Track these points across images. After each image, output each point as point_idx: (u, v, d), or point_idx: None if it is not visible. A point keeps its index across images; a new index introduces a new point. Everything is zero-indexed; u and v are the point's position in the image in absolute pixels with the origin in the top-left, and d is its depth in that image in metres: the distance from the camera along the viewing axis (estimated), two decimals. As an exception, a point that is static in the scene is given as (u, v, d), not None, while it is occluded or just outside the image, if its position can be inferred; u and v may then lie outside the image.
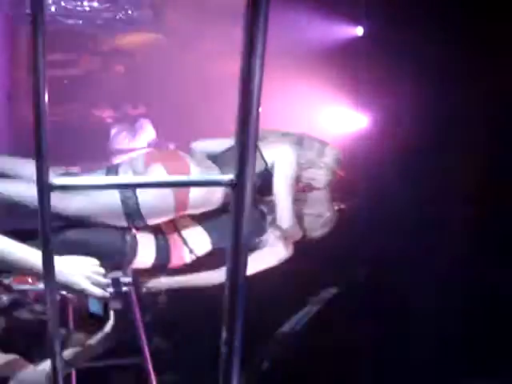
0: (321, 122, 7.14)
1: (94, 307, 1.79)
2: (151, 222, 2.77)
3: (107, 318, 1.76)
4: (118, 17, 9.54)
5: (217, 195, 2.80)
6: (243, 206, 0.94)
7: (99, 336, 1.69)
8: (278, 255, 3.07)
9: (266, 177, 2.97)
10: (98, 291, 1.72)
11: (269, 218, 3.11)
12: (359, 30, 7.37)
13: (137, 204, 2.68)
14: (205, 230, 2.85)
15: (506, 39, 5.18)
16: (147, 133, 8.22)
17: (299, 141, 3.16)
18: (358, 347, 5.40)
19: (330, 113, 7.25)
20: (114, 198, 2.69)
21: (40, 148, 0.89)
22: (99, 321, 1.73)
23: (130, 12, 9.48)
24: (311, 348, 5.22)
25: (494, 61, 5.31)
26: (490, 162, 5.17)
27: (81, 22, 9.35)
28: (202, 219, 2.86)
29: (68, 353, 1.66)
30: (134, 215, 2.70)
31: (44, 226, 0.94)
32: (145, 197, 2.70)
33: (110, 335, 1.72)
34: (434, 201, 5.69)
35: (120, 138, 8.21)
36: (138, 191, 2.54)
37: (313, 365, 5.16)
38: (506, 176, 5.11)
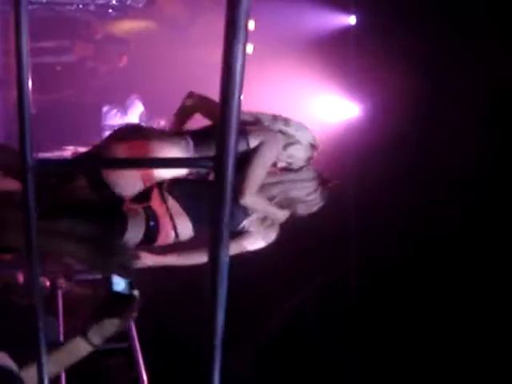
0: (312, 111, 7.14)
1: (118, 287, 1.80)
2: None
3: (133, 295, 1.76)
4: (110, 3, 9.51)
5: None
6: (224, 186, 0.94)
7: (128, 313, 1.70)
8: (262, 239, 3.07)
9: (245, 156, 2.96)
10: (125, 271, 1.76)
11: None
12: (352, 19, 7.36)
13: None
14: (189, 217, 2.86)
15: (499, 30, 5.19)
16: (138, 108, 8.44)
17: (286, 123, 3.16)
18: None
19: (321, 101, 7.26)
20: None
21: (23, 129, 0.90)
22: (123, 299, 1.73)
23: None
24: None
25: (484, 51, 5.33)
26: (479, 149, 5.20)
27: (73, 8, 9.31)
28: (187, 206, 2.87)
29: (96, 331, 1.66)
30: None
31: (28, 206, 0.94)
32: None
33: (135, 312, 1.73)
34: (423, 187, 5.73)
35: (111, 115, 8.45)
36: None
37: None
38: (495, 162, 5.16)
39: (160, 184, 2.81)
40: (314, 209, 3.24)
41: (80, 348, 1.65)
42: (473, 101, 5.25)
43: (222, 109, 0.92)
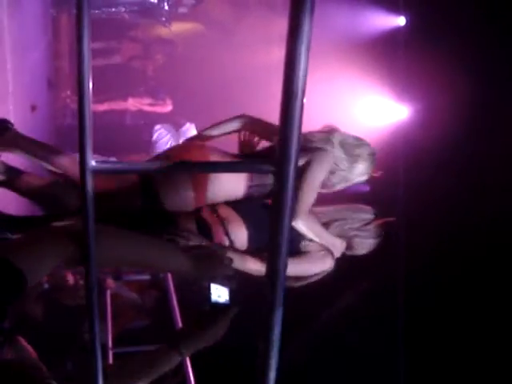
0: (361, 112, 7.09)
1: (217, 296, 1.77)
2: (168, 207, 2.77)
3: (231, 306, 1.73)
4: (161, 5, 9.61)
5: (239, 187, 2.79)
6: (285, 190, 0.92)
7: (226, 322, 1.67)
8: (321, 264, 2.98)
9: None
10: (232, 281, 1.75)
11: None
12: (401, 20, 7.27)
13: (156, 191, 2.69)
14: (245, 226, 2.80)
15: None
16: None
17: (341, 144, 3.05)
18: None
19: (370, 103, 7.19)
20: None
21: (83, 131, 0.89)
22: (221, 309, 1.70)
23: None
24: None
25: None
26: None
27: (123, 9, 9.44)
28: (243, 214, 2.82)
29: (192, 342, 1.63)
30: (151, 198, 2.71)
31: (87, 208, 0.94)
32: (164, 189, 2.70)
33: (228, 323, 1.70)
34: (474, 190, 5.60)
35: (163, 142, 7.90)
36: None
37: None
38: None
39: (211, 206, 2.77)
40: (369, 246, 3.13)
41: (171, 359, 1.63)
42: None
43: (283, 111, 0.90)
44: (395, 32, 7.25)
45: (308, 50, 0.88)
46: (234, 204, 2.82)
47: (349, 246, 3.06)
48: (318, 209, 3.03)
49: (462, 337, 5.56)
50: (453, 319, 5.70)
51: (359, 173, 3.05)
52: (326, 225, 3.00)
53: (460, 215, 5.71)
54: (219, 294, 1.74)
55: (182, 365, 3.83)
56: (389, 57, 6.93)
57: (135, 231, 1.44)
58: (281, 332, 1.00)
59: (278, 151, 0.92)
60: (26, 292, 1.14)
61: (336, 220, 3.06)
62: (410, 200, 6.33)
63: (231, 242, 2.75)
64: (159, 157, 3.04)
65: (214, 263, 1.66)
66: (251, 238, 2.79)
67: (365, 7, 7.50)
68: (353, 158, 3.01)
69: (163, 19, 9.71)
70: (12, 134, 2.82)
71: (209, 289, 1.73)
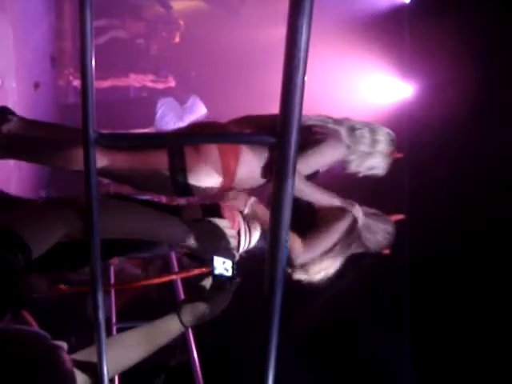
0: (366, 90, 7.05)
1: (220, 269, 1.81)
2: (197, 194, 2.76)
3: (233, 278, 1.76)
4: None
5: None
6: (287, 162, 0.92)
7: (228, 295, 1.70)
8: (345, 221, 2.96)
9: None
10: (233, 253, 1.77)
11: None
12: (407, -2, 7.22)
13: (185, 177, 2.68)
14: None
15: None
16: (199, 111, 7.70)
17: (350, 131, 3.04)
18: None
19: (375, 81, 7.16)
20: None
21: (86, 103, 0.89)
22: (224, 282, 1.73)
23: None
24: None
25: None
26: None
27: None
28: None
29: (197, 309, 1.66)
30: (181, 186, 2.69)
31: (90, 180, 0.94)
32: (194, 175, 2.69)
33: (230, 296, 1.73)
34: (478, 171, 5.60)
35: (167, 120, 7.68)
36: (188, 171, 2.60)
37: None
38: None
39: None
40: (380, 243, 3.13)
41: (173, 330, 1.65)
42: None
43: (285, 83, 0.90)
44: (400, 9, 7.19)
45: (310, 22, 0.88)
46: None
47: (361, 244, 3.05)
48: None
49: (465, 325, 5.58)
50: (456, 307, 5.70)
51: (379, 156, 3.07)
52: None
53: (464, 195, 5.71)
54: (222, 266, 1.77)
55: (187, 342, 3.88)
56: (393, 34, 6.87)
57: (138, 204, 1.46)
58: (281, 309, 1.01)
59: (279, 123, 0.93)
60: (30, 263, 1.15)
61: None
62: (414, 179, 6.33)
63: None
64: (180, 130, 3.01)
65: (216, 236, 1.68)
66: None
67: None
68: (373, 143, 3.03)
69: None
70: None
71: (212, 261, 1.75)
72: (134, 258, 5.11)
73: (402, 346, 5.99)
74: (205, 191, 2.75)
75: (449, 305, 5.54)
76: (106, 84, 8.62)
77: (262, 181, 2.83)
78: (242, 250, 2.33)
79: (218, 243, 1.70)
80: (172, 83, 9.06)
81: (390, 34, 6.91)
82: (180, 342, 4.64)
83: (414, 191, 6.26)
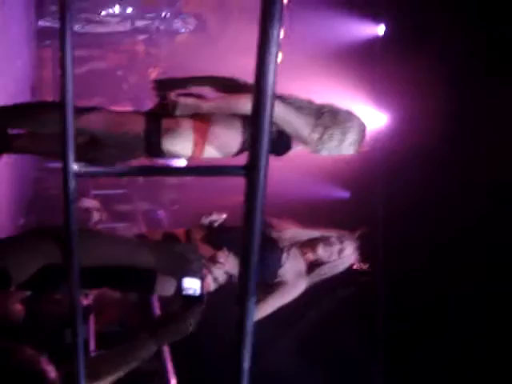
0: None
1: (189, 290, 1.87)
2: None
3: (201, 298, 1.82)
4: (159, 26, 9.68)
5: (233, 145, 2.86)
6: (256, 194, 0.96)
7: (198, 313, 1.75)
8: (297, 290, 3.06)
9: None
10: (199, 274, 1.83)
11: (284, 255, 3.08)
12: (381, 29, 7.37)
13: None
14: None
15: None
16: None
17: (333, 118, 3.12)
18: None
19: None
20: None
21: (66, 136, 0.94)
22: (192, 301, 1.78)
23: (171, 21, 9.62)
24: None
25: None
26: (504, 160, 5.17)
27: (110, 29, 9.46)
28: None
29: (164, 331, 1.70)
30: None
31: (69, 211, 0.98)
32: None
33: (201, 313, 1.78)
34: (450, 195, 5.70)
35: None
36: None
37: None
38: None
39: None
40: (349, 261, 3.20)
41: (147, 348, 1.69)
42: (503, 117, 5.21)
43: (254, 119, 0.95)
44: (374, 41, 7.34)
45: (276, 57, 0.93)
46: (211, 237, 2.85)
47: (330, 266, 3.12)
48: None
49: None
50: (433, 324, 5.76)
51: (348, 143, 3.12)
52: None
53: (438, 222, 5.81)
54: (191, 286, 1.83)
55: (165, 368, 3.89)
56: (367, 65, 7.01)
57: (110, 234, 1.52)
58: (253, 325, 1.04)
59: (249, 156, 0.98)
60: (10, 290, 1.19)
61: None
62: (388, 206, 6.42)
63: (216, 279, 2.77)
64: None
65: (184, 258, 1.74)
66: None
67: (345, 16, 7.59)
68: (345, 129, 3.09)
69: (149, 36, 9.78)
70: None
71: (181, 282, 1.81)
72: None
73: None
74: (175, 155, 2.83)
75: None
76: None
77: (236, 148, 2.92)
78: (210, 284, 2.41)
79: (187, 264, 1.77)
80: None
81: (363, 64, 7.05)
82: (159, 368, 4.65)
83: (388, 219, 6.35)
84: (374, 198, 6.53)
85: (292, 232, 3.14)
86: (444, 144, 5.72)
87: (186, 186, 8.77)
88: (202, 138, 2.84)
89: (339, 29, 7.59)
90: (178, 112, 2.81)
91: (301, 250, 3.11)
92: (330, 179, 6.97)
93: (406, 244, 5.98)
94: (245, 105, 2.74)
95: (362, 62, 7.12)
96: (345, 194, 7.30)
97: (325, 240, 3.15)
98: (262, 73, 0.90)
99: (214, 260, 2.43)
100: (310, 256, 3.13)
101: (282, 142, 3.00)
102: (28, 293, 4.35)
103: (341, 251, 3.14)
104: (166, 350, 4.06)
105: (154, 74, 9.82)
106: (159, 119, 2.84)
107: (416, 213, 5.96)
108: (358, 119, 3.18)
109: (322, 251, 3.12)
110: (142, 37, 10.08)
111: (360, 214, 6.07)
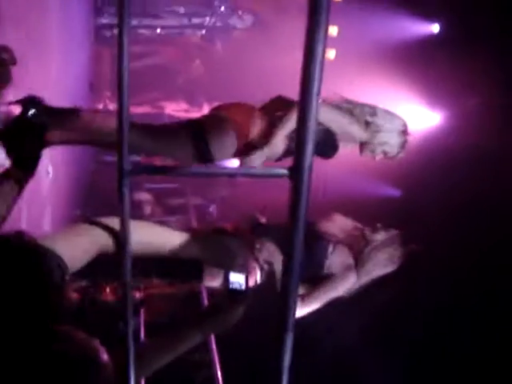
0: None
1: (234, 284, 1.98)
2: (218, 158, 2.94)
3: (248, 292, 1.91)
4: (216, 22, 9.80)
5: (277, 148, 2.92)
6: (300, 196, 0.99)
7: (242, 307, 1.82)
8: (346, 283, 3.05)
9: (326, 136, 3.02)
10: (243, 269, 1.91)
11: (330, 248, 3.09)
12: (435, 28, 7.27)
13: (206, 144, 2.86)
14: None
15: None
16: None
17: (372, 113, 3.16)
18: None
19: (402, 109, 7.21)
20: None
21: (122, 135, 1.00)
22: (237, 295, 1.86)
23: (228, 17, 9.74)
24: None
25: None
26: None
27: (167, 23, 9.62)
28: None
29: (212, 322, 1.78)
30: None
31: (124, 206, 1.05)
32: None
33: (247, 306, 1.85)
34: (507, 192, 5.59)
35: None
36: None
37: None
38: None
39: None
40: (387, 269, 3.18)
41: (193, 337, 1.77)
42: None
43: (299, 120, 0.98)
44: (428, 39, 7.25)
45: (322, 67, 0.95)
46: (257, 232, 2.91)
47: (367, 268, 3.11)
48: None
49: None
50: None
51: (394, 142, 3.16)
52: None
53: (493, 218, 5.69)
54: (236, 280, 1.90)
55: (212, 358, 3.98)
56: (421, 64, 6.93)
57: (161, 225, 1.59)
58: (294, 322, 1.08)
59: (294, 159, 1.01)
60: (67, 279, 1.27)
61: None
62: (444, 206, 6.33)
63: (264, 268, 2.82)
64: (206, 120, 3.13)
65: (232, 253, 1.81)
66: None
67: (400, 14, 7.52)
68: (390, 128, 3.13)
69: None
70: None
71: (227, 276, 1.89)
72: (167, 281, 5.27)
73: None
74: (223, 152, 2.90)
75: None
76: (140, 110, 8.82)
77: (281, 148, 2.97)
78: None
79: (234, 260, 1.82)
80: (205, 112, 9.23)
81: (417, 63, 6.98)
82: (206, 360, 4.76)
83: (446, 216, 6.26)
84: (426, 198, 6.46)
85: (338, 226, 3.15)
86: (498, 143, 5.62)
87: (237, 184, 8.86)
88: (244, 138, 2.91)
89: (394, 27, 7.53)
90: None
91: (347, 244, 3.11)
92: (380, 177, 6.93)
93: (461, 246, 5.88)
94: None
95: (416, 60, 7.05)
96: (396, 193, 7.26)
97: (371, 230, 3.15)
98: (307, 72, 0.93)
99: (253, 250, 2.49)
100: (357, 244, 3.12)
101: (328, 144, 3.03)
102: (84, 282, 4.52)
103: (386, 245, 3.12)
104: (213, 342, 4.14)
105: (199, 69, 9.91)
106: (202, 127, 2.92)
107: (472, 213, 5.86)
108: (400, 118, 3.19)
109: (368, 235, 3.11)
110: (198, 33, 10.20)
111: (411, 215, 6.02)
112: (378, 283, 3.08)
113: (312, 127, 0.98)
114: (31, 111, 2.63)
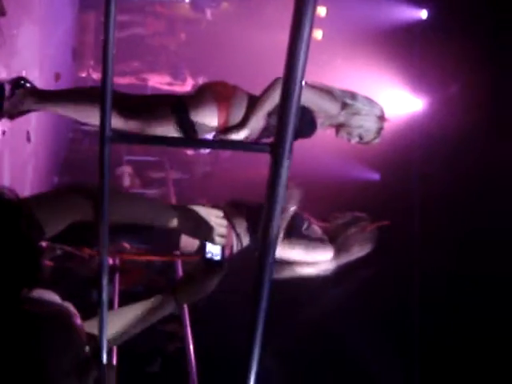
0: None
1: (210, 254, 2.03)
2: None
3: (224, 262, 1.94)
4: None
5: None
6: (279, 172, 1.00)
7: (218, 276, 1.83)
8: (323, 251, 3.08)
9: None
10: (221, 241, 1.92)
11: (305, 225, 3.15)
12: (423, 14, 7.28)
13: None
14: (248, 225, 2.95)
15: None
16: None
17: (353, 97, 3.22)
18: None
19: (386, 94, 7.24)
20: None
21: (105, 102, 0.99)
22: (214, 265, 1.88)
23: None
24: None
25: None
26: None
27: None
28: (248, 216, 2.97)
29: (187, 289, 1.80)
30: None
31: (103, 173, 1.05)
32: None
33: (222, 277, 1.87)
34: (488, 180, 5.64)
35: None
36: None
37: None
38: None
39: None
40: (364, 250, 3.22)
41: (167, 305, 1.78)
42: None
43: (283, 97, 0.98)
44: (416, 24, 7.25)
45: (308, 46, 0.95)
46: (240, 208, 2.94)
47: (345, 250, 3.15)
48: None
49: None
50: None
51: (370, 115, 3.20)
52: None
53: (475, 207, 5.73)
54: (213, 251, 1.93)
55: (184, 329, 4.01)
56: (408, 49, 6.94)
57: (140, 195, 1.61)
58: (268, 307, 1.09)
59: (276, 133, 1.02)
60: (41, 243, 1.26)
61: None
62: (425, 192, 6.38)
63: (240, 242, 2.86)
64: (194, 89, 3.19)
65: (207, 223, 1.82)
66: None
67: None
68: (367, 113, 3.17)
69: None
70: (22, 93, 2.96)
71: (204, 246, 1.92)
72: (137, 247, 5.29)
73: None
74: (203, 126, 2.96)
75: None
76: (124, 81, 8.74)
77: (261, 124, 3.01)
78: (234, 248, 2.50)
79: (210, 230, 1.84)
80: (188, 87, 9.17)
81: (403, 48, 6.98)
82: (178, 330, 4.80)
83: (425, 204, 6.30)
84: (407, 182, 6.49)
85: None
86: (480, 130, 5.66)
87: (218, 161, 8.84)
88: (225, 111, 2.95)
89: (383, 11, 7.52)
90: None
91: (320, 226, 3.15)
92: (360, 161, 6.96)
93: (442, 232, 5.93)
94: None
95: (403, 45, 7.05)
96: (375, 176, 7.30)
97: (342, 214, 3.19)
98: (293, 49, 0.92)
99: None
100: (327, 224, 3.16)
101: (306, 123, 3.06)
102: (58, 251, 4.50)
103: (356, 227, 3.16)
104: (186, 314, 4.16)
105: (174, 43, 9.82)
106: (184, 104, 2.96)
107: (452, 199, 5.90)
108: (379, 105, 3.22)
109: (339, 217, 3.16)
110: (183, 3, 10.09)
111: (391, 198, 6.06)
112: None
113: (295, 104, 0.99)
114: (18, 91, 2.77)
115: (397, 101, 7.25)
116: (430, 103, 6.85)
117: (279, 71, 0.98)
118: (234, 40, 9.02)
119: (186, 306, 4.28)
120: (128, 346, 1.97)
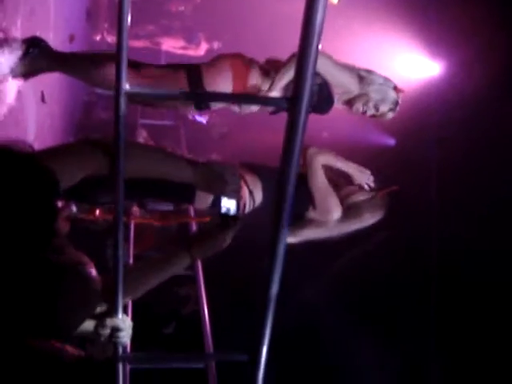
0: (394, 67, 7.04)
1: (226, 209, 2.10)
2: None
3: (239, 216, 1.96)
4: None
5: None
6: (297, 127, 1.00)
7: (232, 231, 1.84)
8: (335, 207, 3.08)
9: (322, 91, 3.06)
10: (235, 195, 1.95)
11: None
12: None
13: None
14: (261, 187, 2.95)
15: None
16: None
17: (368, 72, 3.24)
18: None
19: (403, 58, 7.14)
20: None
21: (120, 57, 0.99)
22: (229, 220, 1.89)
23: None
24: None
25: None
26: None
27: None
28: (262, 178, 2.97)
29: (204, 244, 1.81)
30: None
31: (119, 128, 1.05)
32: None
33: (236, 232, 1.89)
34: (501, 149, 5.58)
35: None
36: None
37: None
38: None
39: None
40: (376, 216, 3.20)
41: (182, 260, 1.79)
42: None
43: (300, 54, 0.98)
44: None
45: (325, 6, 0.95)
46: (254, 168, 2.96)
47: (356, 217, 3.13)
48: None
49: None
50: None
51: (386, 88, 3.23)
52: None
53: (492, 172, 5.68)
54: (227, 205, 1.96)
55: (199, 293, 4.05)
56: (424, 12, 6.84)
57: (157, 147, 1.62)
58: (284, 252, 1.10)
59: (293, 90, 1.01)
60: (58, 195, 1.27)
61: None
62: (442, 157, 6.33)
63: (253, 200, 2.87)
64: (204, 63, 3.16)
65: (223, 179, 1.84)
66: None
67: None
68: (382, 89, 3.22)
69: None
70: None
71: (219, 201, 1.95)
72: (155, 210, 5.30)
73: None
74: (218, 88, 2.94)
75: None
76: (138, 44, 8.68)
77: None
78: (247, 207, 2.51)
79: (225, 185, 1.86)
80: (202, 51, 9.09)
81: (420, 11, 6.88)
82: (193, 294, 4.86)
83: (442, 169, 6.25)
84: (424, 148, 6.44)
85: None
86: (497, 95, 5.58)
87: (232, 125, 8.82)
88: (240, 78, 2.93)
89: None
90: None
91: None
92: (375, 126, 6.90)
93: (459, 198, 5.89)
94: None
95: (419, 8, 6.93)
96: (390, 142, 7.24)
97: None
98: (310, 10, 0.93)
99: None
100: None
101: (324, 98, 3.06)
102: (74, 208, 4.54)
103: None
104: (200, 276, 4.20)
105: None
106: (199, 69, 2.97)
107: (470, 164, 5.84)
108: (391, 80, 3.27)
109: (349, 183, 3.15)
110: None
111: (407, 164, 6.02)
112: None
113: (312, 61, 0.98)
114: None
115: (413, 65, 7.16)
116: (446, 67, 6.76)
117: (295, 41, 0.97)
118: (250, 5, 8.91)
119: (200, 269, 4.33)
120: (143, 308, 1.99)
